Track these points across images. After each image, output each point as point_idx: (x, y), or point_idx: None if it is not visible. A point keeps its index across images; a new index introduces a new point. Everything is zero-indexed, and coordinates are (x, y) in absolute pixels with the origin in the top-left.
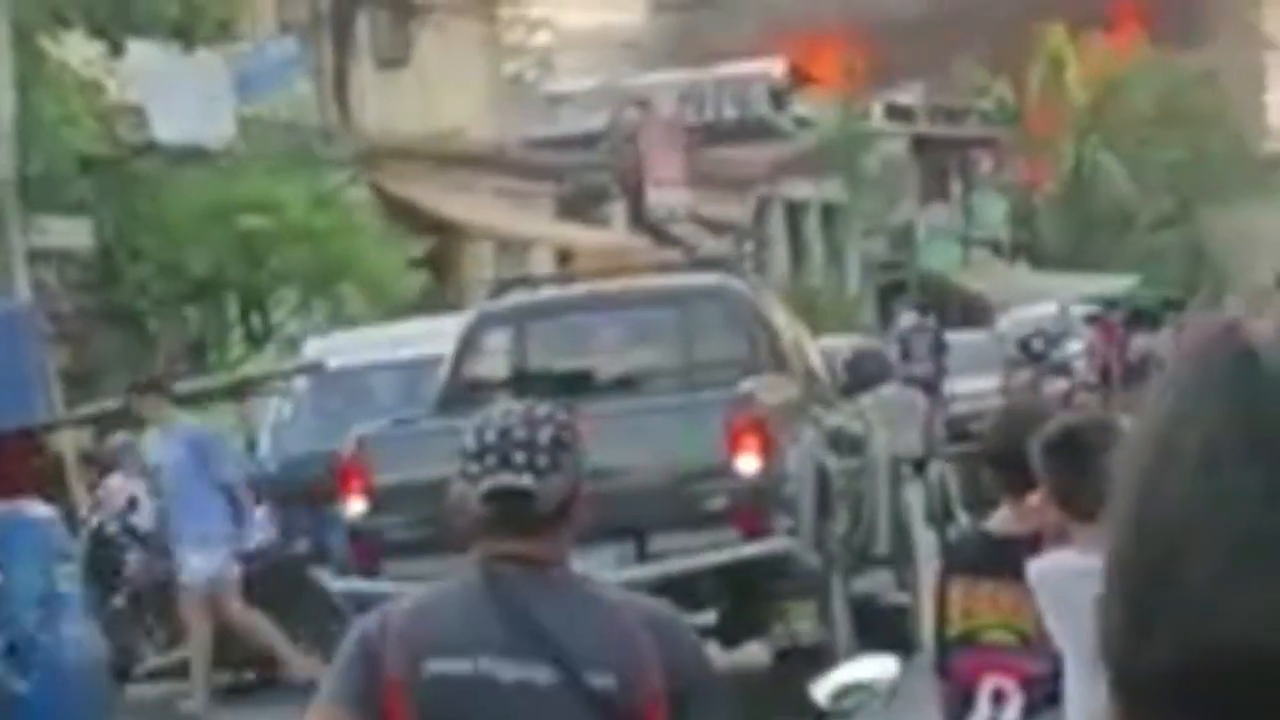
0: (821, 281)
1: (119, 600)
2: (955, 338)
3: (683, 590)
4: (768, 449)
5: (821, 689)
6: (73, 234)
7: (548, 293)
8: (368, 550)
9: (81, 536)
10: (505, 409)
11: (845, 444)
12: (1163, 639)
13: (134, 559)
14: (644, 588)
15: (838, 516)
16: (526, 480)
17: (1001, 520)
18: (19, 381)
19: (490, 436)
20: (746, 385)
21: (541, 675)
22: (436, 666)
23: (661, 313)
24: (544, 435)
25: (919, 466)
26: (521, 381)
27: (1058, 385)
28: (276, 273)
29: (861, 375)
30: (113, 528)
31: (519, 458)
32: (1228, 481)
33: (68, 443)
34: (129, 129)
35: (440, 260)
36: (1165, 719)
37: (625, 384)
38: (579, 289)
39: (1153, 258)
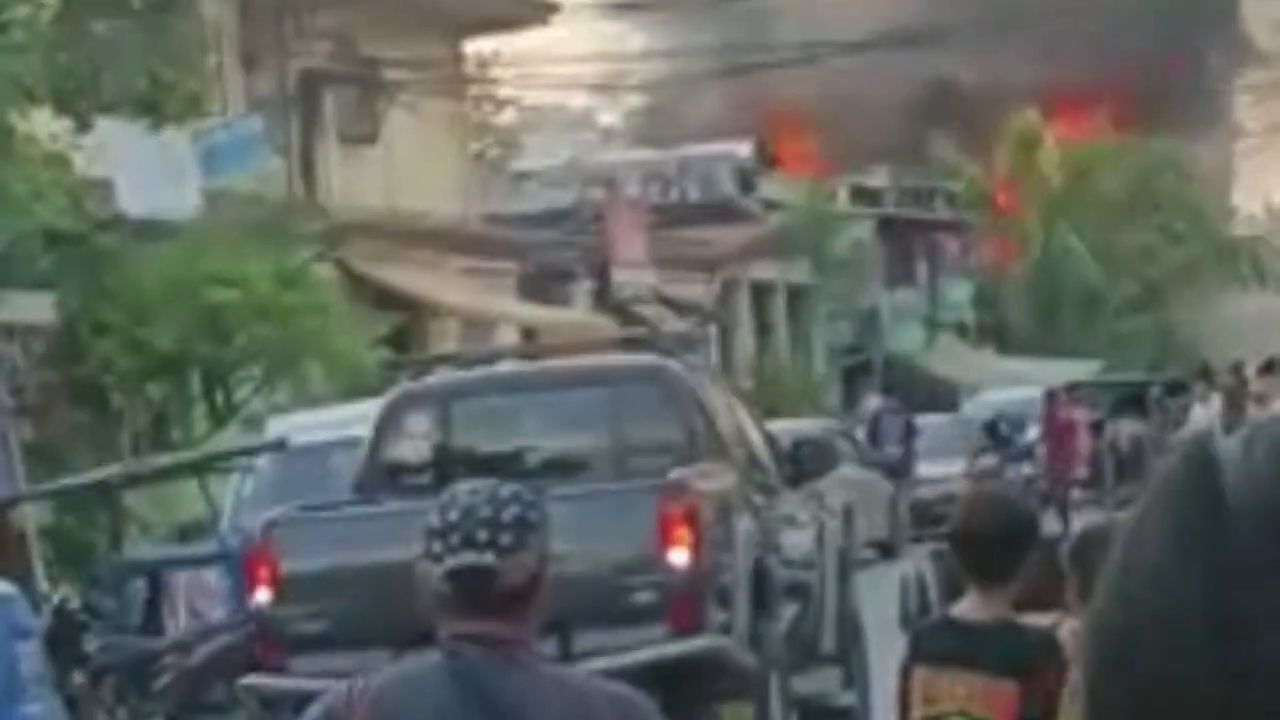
0: (787, 364)
1: (79, 677)
2: (921, 420)
3: None
4: (700, 540)
5: None
6: (36, 309)
7: (472, 373)
8: (274, 644)
9: (44, 613)
10: (471, 487)
11: (789, 535)
12: None
13: (97, 636)
14: None
15: (778, 612)
16: (489, 559)
17: (969, 607)
18: None
19: (453, 515)
20: (679, 473)
21: None
22: None
23: (591, 394)
24: (509, 513)
25: (885, 550)
26: (443, 465)
27: (1022, 470)
28: (242, 349)
29: (804, 464)
30: (74, 604)
31: (482, 536)
32: (1189, 664)
33: (29, 518)
34: (96, 203)
35: (406, 338)
36: None
37: (552, 469)
38: (505, 369)
39: (1121, 342)
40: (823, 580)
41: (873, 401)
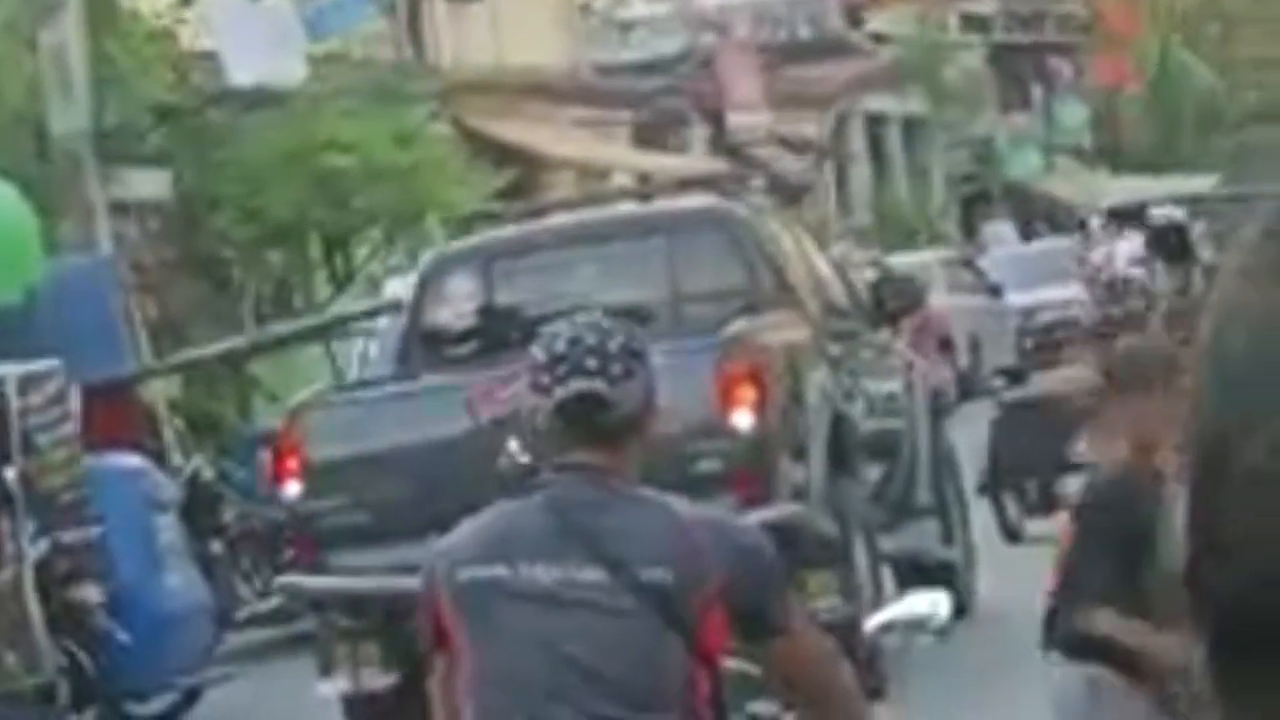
0: (905, 196)
1: (217, 547)
2: (1040, 246)
3: None
4: (766, 400)
5: (868, 625)
6: (151, 184)
7: (516, 228)
8: (307, 541)
9: (178, 485)
10: (574, 320)
11: (871, 384)
12: (1233, 558)
13: (231, 506)
14: None
15: (860, 470)
16: (600, 385)
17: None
18: (106, 334)
19: (560, 345)
20: (742, 326)
21: (588, 574)
22: (469, 573)
23: (646, 244)
24: (615, 342)
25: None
26: (488, 331)
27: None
28: (361, 212)
29: (886, 304)
30: (208, 475)
31: (592, 363)
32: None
33: (158, 392)
34: (203, 76)
35: (521, 192)
36: (1249, 652)
37: None
38: (552, 222)
39: (1243, 156)
40: (913, 429)
41: (992, 230)
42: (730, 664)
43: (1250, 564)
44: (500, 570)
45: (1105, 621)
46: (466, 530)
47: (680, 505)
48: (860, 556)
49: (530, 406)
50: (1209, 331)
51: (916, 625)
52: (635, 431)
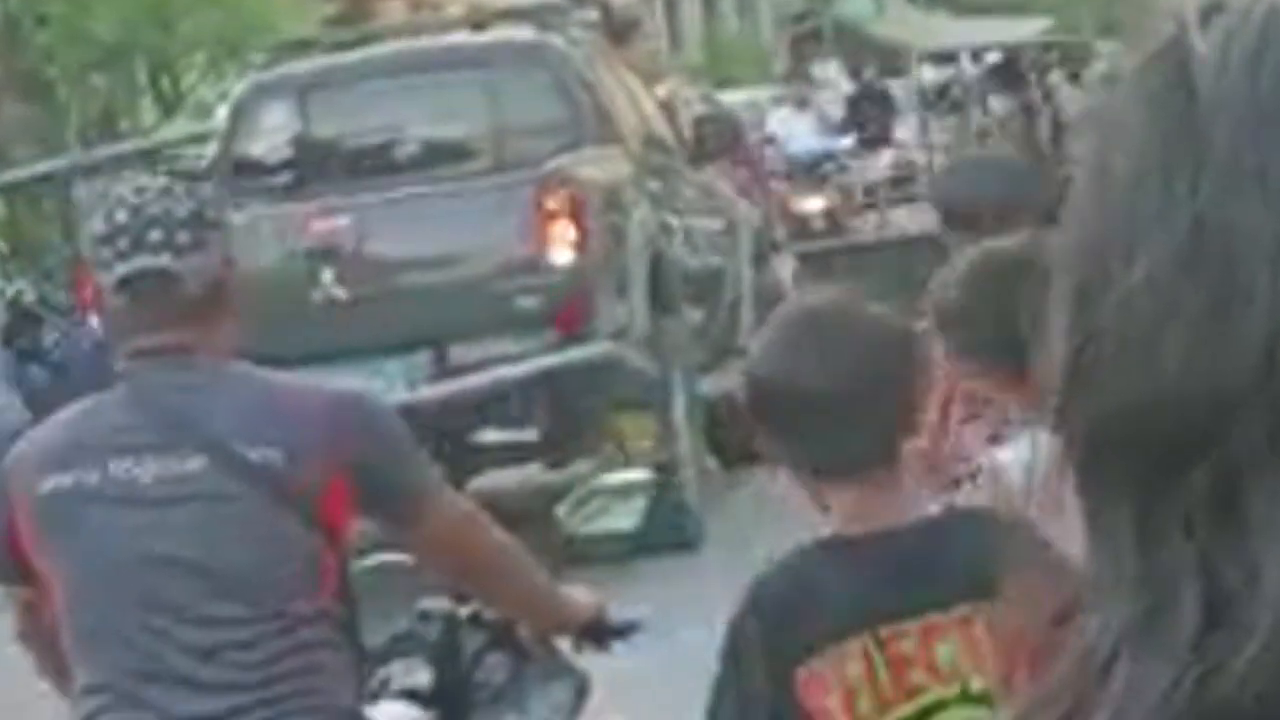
0: (735, 33)
1: (38, 372)
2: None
3: (494, 407)
4: (586, 235)
5: (565, 505)
6: None
7: (333, 58)
8: None
9: None
10: (138, 185)
11: (693, 221)
12: (1101, 377)
13: (53, 330)
14: (445, 407)
15: (680, 309)
16: (165, 260)
17: None
18: None
19: (121, 216)
20: (560, 160)
21: (192, 464)
22: (50, 484)
23: (464, 77)
24: (183, 209)
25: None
26: (303, 162)
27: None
28: (188, 36)
29: (707, 142)
30: (29, 298)
31: (155, 236)
32: (1161, 194)
33: None
34: None
35: (353, 20)
36: (1107, 466)
37: (423, 162)
38: (369, 52)
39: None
40: (736, 268)
41: (821, 69)
42: (384, 559)
43: (1114, 392)
44: (89, 475)
45: None
46: (41, 435)
47: (282, 378)
48: (679, 398)
49: (95, 285)
50: (1092, 151)
51: (604, 493)
52: (215, 305)
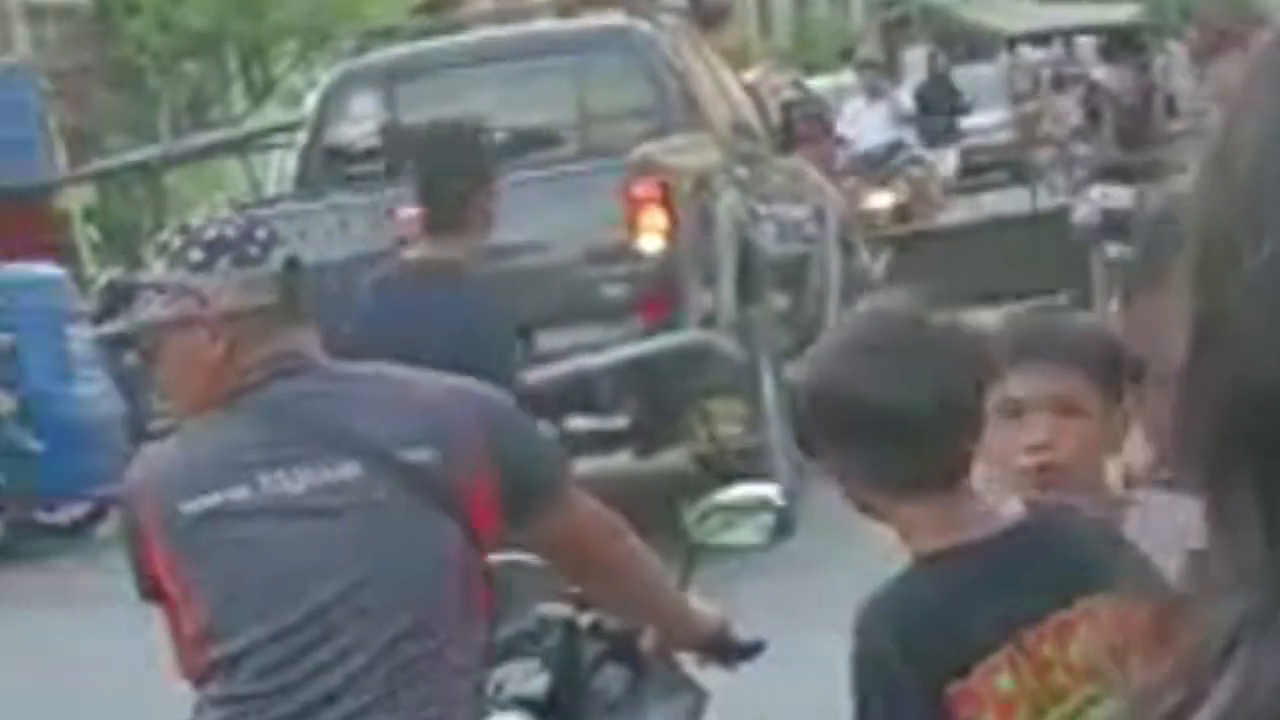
0: (825, 19)
1: (131, 358)
2: (962, 72)
3: (581, 395)
4: (674, 224)
5: (690, 514)
6: None
7: (420, 45)
8: None
9: (91, 294)
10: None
11: (780, 209)
12: (1221, 360)
13: None
14: (531, 396)
15: (766, 296)
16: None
17: None
18: (23, 141)
19: (235, 223)
20: (648, 148)
21: (345, 471)
22: (193, 505)
23: (551, 63)
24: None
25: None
26: (391, 149)
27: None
28: (278, 24)
29: (795, 129)
30: (124, 283)
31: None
32: None
33: (73, 201)
34: None
35: (440, 8)
36: (1233, 453)
37: (510, 149)
38: (456, 39)
39: None
40: (823, 256)
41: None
42: (513, 558)
43: (1241, 376)
44: (236, 491)
45: None
46: (167, 457)
47: (403, 373)
48: (767, 384)
49: (214, 287)
50: (1220, 128)
51: (737, 510)
52: (308, 310)
